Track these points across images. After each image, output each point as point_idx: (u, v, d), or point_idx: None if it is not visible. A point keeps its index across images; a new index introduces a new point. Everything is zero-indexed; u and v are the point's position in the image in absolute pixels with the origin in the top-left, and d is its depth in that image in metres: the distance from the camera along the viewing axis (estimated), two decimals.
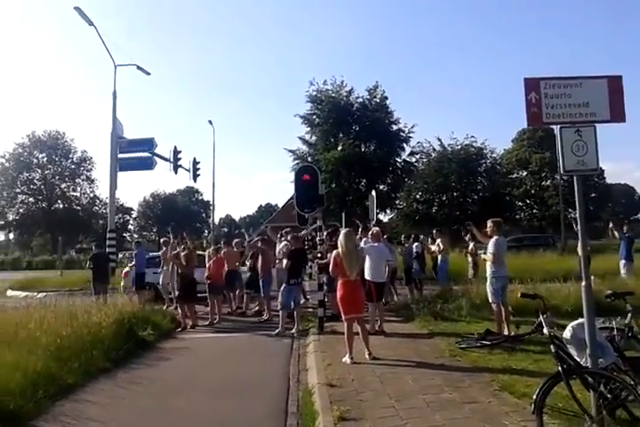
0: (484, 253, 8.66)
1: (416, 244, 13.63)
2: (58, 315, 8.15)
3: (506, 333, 7.86)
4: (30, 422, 5.24)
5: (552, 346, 4.17)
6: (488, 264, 8.18)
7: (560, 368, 3.95)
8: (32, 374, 5.99)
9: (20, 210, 60.17)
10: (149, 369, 7.46)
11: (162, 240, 14.35)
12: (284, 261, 10.42)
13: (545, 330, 4.35)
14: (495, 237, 8.10)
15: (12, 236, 68.05)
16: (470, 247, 13.13)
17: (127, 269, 14.50)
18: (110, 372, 7.20)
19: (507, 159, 48.44)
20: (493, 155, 42.10)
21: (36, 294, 15.97)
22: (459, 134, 43.29)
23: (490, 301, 8.16)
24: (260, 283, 11.69)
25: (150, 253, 15.76)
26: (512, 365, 6.39)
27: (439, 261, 13.13)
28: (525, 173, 49.93)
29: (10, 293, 19.16)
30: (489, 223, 8.41)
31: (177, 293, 11.26)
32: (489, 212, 27.59)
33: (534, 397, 3.92)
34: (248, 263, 12.61)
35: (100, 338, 7.87)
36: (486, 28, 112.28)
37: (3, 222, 60.10)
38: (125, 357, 7.91)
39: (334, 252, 7.31)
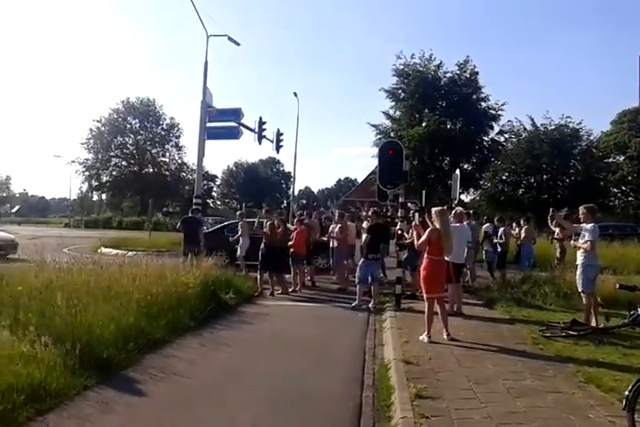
0: (575, 239, 8.24)
1: (487, 224, 13.21)
2: (148, 273, 8.50)
3: (594, 324, 7.52)
4: (121, 372, 5.54)
5: None
6: (580, 252, 7.77)
7: None
8: (124, 327, 6.35)
9: (114, 172, 63.57)
10: (232, 331, 7.77)
11: (264, 210, 14.25)
12: (364, 236, 10.40)
13: None
14: (591, 224, 7.66)
15: (104, 196, 72.39)
16: (557, 233, 12.52)
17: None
18: (195, 331, 7.54)
19: (604, 142, 45.31)
20: (590, 137, 39.58)
21: (126, 252, 16.84)
22: (553, 114, 40.53)
23: (580, 290, 7.78)
24: (332, 253, 12.75)
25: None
26: (599, 357, 6.10)
27: (522, 247, 12.63)
28: (623, 157, 46.65)
29: (103, 250, 20.38)
30: (582, 209, 7.95)
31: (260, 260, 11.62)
32: (581, 197, 26.19)
33: (626, 393, 3.74)
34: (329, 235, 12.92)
35: (186, 298, 8.22)
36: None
37: (97, 184, 63.84)
38: (209, 318, 8.25)
39: (430, 229, 7.15)
